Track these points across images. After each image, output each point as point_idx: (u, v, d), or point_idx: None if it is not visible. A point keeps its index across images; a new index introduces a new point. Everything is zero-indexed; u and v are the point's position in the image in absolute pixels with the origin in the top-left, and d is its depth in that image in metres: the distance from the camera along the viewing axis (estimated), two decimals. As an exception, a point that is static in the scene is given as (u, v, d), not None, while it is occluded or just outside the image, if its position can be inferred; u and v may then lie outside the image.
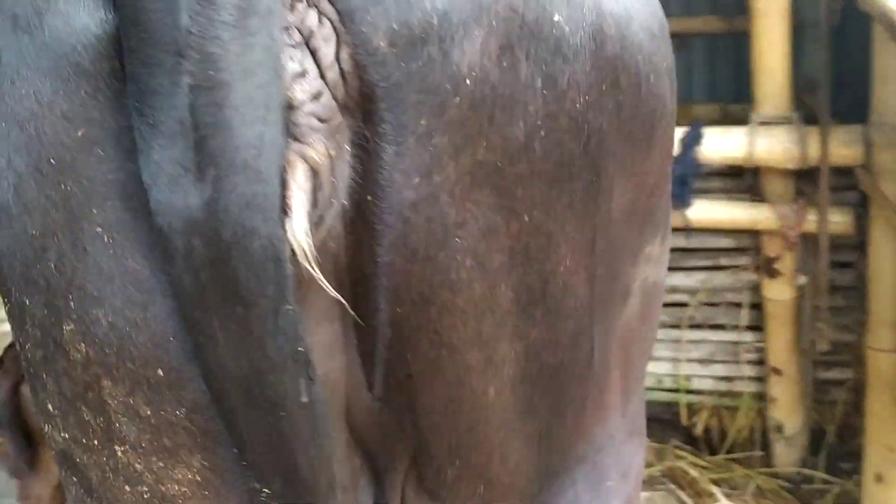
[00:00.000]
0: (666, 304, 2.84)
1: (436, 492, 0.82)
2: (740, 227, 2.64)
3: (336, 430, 0.75)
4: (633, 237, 0.81)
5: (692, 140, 2.45)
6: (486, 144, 0.66)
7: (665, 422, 2.98)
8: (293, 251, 0.59)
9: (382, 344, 0.70)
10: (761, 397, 2.83)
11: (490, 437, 0.79)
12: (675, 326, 2.89)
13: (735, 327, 2.84)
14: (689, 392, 2.93)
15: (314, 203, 0.62)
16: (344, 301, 0.64)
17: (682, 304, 2.87)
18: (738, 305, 2.82)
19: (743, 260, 2.78)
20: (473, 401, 0.75)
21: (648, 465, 2.81)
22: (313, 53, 0.61)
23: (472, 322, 0.71)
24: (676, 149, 2.38)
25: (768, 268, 2.62)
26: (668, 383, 2.94)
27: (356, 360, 0.72)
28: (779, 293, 2.64)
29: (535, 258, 0.72)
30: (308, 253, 0.59)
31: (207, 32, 0.55)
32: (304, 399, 0.63)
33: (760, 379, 2.82)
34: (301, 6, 0.61)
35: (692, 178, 2.47)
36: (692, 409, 2.94)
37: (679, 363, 2.91)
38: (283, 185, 0.59)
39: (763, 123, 2.45)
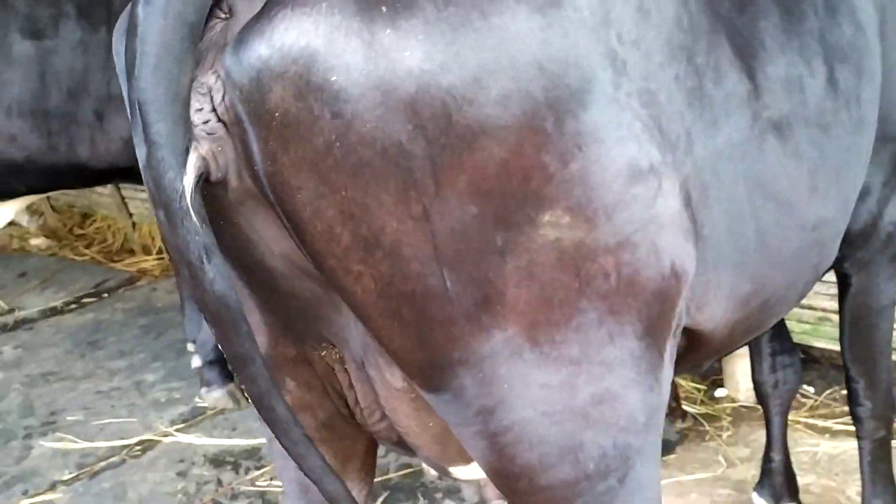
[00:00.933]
0: None
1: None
2: None
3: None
4: (494, 210, 1.16)
5: None
6: (300, 148, 1.11)
7: None
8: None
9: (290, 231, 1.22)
10: None
11: (372, 323, 1.25)
12: None
13: None
14: None
15: (207, 172, 1.16)
16: (200, 224, 1.15)
17: None
18: None
19: None
20: (349, 293, 1.23)
21: None
22: (212, 97, 1.15)
23: (322, 244, 1.18)
24: None
25: None
26: None
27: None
28: None
29: (359, 219, 1.14)
30: (188, 193, 1.12)
31: (139, 83, 1.10)
32: (206, 267, 1.16)
33: None
34: (209, 70, 1.16)
35: None
36: None
37: None
38: (185, 160, 1.13)
39: None
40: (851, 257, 2.04)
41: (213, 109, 1.15)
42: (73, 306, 5.33)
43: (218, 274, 1.17)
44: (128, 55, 1.12)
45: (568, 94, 1.14)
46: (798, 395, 3.47)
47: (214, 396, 3.89)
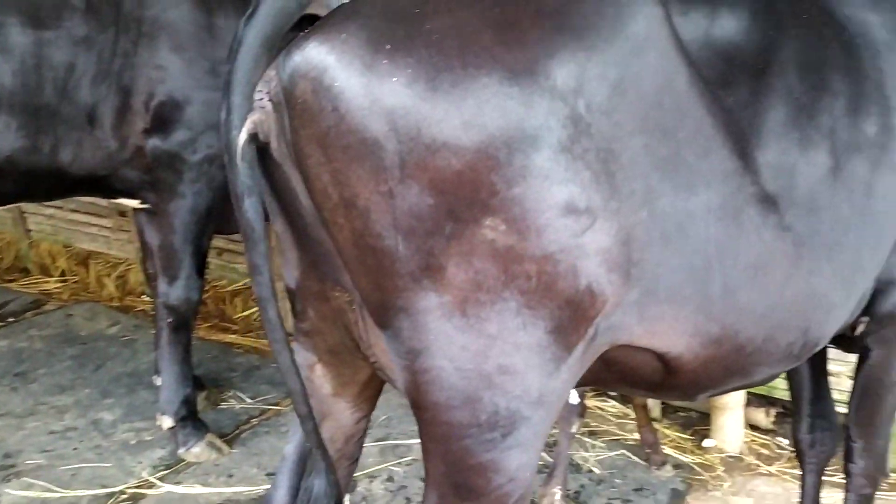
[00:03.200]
0: None
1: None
2: None
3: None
4: (447, 204, 1.50)
5: None
6: (311, 127, 1.50)
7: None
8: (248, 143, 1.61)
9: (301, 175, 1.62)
10: None
11: (350, 266, 1.61)
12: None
13: None
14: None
15: (257, 134, 1.59)
16: (247, 170, 1.60)
17: None
18: None
19: None
20: (335, 239, 1.59)
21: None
22: (269, 84, 1.57)
23: (321, 198, 1.56)
24: None
25: None
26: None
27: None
28: None
29: (344, 185, 1.53)
30: (240, 148, 1.57)
31: (231, 71, 1.58)
32: (244, 201, 1.60)
33: None
34: (272, 68, 1.57)
35: None
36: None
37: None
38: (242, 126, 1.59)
39: None
40: (876, 333, 2.30)
41: (268, 92, 1.57)
42: (-24, 331, 4.83)
43: (251, 207, 1.60)
44: (230, 53, 1.58)
45: (522, 137, 1.47)
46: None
47: (195, 452, 3.63)
